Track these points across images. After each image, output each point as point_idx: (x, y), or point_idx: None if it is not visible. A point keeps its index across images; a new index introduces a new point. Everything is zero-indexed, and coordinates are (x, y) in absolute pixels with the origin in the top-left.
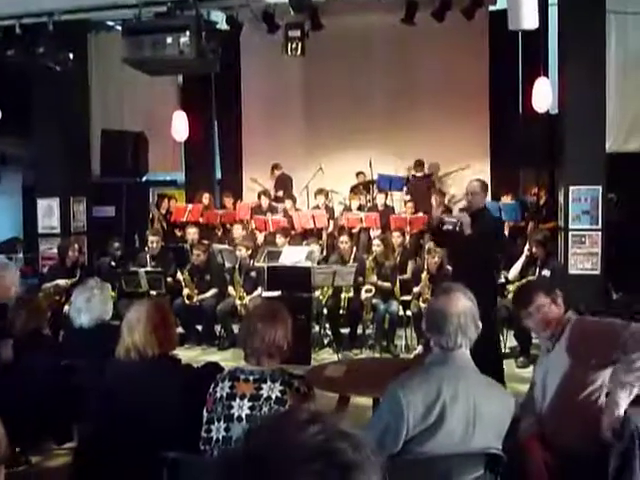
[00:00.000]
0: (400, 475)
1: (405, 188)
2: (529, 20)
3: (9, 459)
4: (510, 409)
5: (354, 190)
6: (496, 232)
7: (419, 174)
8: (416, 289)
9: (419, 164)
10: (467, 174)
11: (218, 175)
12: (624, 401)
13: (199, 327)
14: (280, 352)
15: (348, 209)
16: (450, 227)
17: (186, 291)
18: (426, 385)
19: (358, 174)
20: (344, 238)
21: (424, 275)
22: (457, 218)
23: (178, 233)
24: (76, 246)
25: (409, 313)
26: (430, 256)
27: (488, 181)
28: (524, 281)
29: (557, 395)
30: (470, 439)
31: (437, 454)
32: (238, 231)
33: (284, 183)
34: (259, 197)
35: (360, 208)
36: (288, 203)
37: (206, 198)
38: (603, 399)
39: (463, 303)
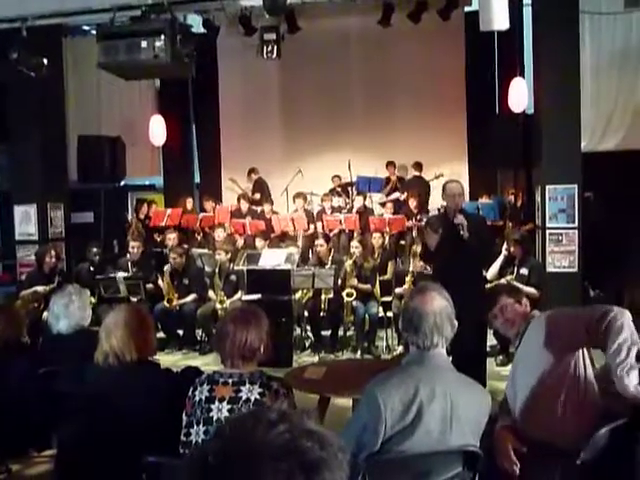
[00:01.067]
0: (379, 474)
1: (397, 188)
2: (500, 21)
3: None
4: (487, 407)
5: (327, 193)
6: (489, 231)
7: (417, 173)
8: (399, 290)
9: (417, 165)
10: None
11: (197, 179)
12: (633, 383)
13: (180, 332)
14: (255, 355)
15: (323, 212)
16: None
17: (166, 291)
18: (403, 385)
19: (334, 177)
20: (320, 242)
21: (409, 278)
22: (458, 223)
23: (158, 238)
24: (53, 252)
25: (390, 314)
26: (416, 259)
27: (466, 181)
28: (503, 280)
29: (530, 391)
30: (448, 437)
31: (415, 453)
32: (220, 234)
33: (261, 187)
34: (238, 200)
35: (335, 210)
36: (266, 207)
37: (189, 203)
38: (572, 384)
39: (439, 302)
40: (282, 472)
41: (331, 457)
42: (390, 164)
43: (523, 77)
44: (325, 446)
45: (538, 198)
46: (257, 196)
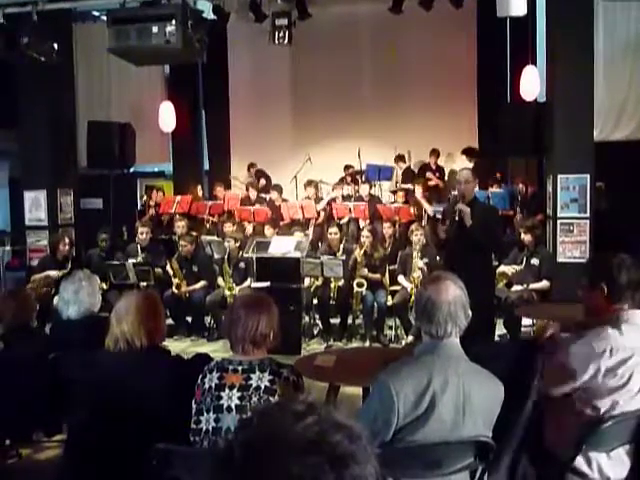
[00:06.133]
0: (391, 464)
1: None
2: (517, 6)
3: None
4: (500, 397)
5: (338, 182)
6: (497, 222)
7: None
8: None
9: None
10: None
11: (206, 166)
12: None
13: (189, 319)
14: (265, 341)
15: (334, 200)
16: (440, 216)
17: (175, 280)
18: (416, 374)
19: (345, 167)
20: (333, 229)
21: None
22: (458, 209)
23: (164, 222)
24: (67, 240)
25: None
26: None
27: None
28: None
29: None
30: (460, 427)
31: (428, 442)
32: (229, 228)
33: (264, 175)
34: (247, 189)
35: (345, 199)
36: (274, 194)
37: (199, 190)
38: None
39: (453, 291)
40: (310, 467)
41: (360, 450)
42: (399, 158)
43: (535, 65)
44: (354, 439)
45: (550, 187)
46: (262, 182)
